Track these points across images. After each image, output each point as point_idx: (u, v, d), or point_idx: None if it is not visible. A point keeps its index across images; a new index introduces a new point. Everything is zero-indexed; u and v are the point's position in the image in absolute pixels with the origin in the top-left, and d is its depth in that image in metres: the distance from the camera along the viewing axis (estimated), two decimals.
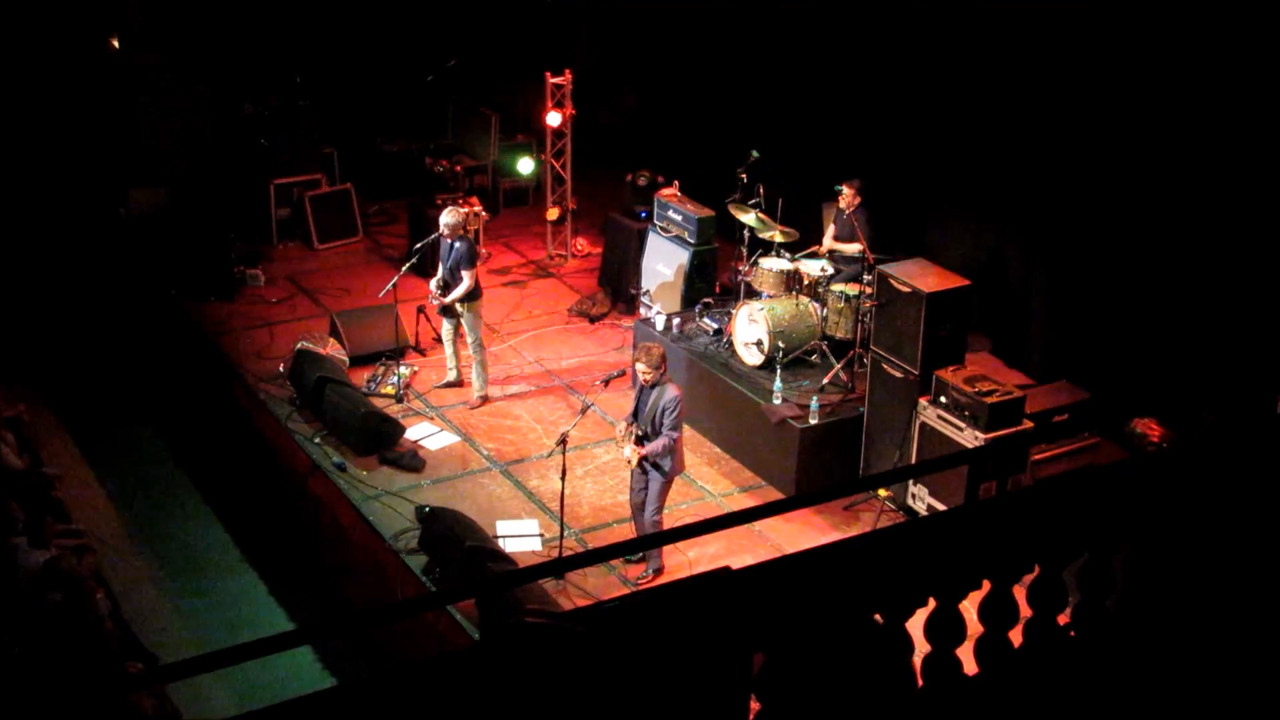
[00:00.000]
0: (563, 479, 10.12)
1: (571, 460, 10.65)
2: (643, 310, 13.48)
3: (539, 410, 12.32)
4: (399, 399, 12.29)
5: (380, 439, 11.57)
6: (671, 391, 9.63)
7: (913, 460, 10.46)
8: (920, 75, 12.80)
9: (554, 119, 14.86)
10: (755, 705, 4.14)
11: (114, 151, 15.37)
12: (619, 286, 14.19)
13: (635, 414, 9.85)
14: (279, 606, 10.85)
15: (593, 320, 13.98)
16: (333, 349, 12.95)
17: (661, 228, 13.50)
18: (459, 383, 12.55)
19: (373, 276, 14.41)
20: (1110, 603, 4.72)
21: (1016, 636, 4.61)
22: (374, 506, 10.87)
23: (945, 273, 10.67)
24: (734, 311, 11.97)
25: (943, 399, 10.18)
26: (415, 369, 12.84)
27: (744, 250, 12.34)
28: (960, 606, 4.42)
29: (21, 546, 8.34)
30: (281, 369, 12.67)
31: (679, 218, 13.27)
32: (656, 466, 9.77)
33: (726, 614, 3.92)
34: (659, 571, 10.16)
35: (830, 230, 12.20)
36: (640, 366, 9.73)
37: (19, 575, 8.12)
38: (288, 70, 16.28)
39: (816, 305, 11.76)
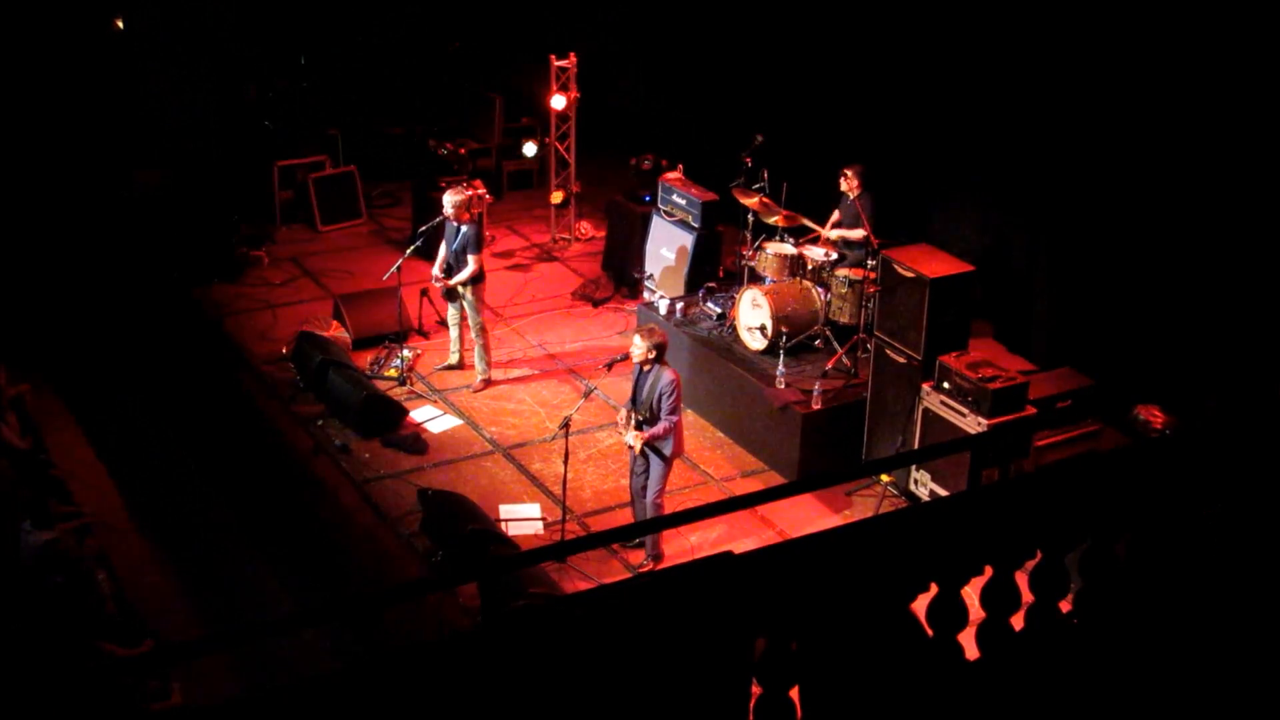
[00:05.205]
0: (565, 463, 10.13)
1: (574, 444, 10.66)
2: (646, 294, 13.47)
3: (542, 394, 12.32)
4: (402, 382, 12.30)
5: (383, 421, 11.59)
6: (667, 375, 9.63)
7: (915, 446, 10.45)
8: (925, 60, 12.77)
9: (558, 102, 14.84)
10: (757, 690, 4.15)
11: (118, 133, 15.36)
12: (622, 270, 14.18)
13: (633, 399, 9.85)
14: (280, 588, 10.86)
15: (596, 304, 13.97)
16: (336, 331, 12.95)
17: (665, 211, 13.48)
18: (461, 366, 12.56)
19: (376, 259, 14.40)
20: (1111, 589, 4.72)
21: (1018, 622, 4.62)
22: (376, 489, 10.88)
23: (949, 258, 10.65)
24: (737, 296, 11.96)
25: (946, 384, 10.17)
26: (418, 352, 12.84)
27: (748, 234, 12.33)
28: (962, 592, 4.42)
29: (25, 527, 8.36)
30: (284, 351, 12.68)
31: (683, 202, 13.26)
32: (656, 451, 9.78)
33: (728, 598, 3.92)
34: (659, 558, 10.17)
35: (834, 216, 12.19)
36: (637, 339, 9.71)
37: (22, 556, 8.14)
38: (292, 51, 16.25)
39: (820, 290, 11.75)
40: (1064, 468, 6.00)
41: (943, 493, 10.24)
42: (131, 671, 7.66)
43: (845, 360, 11.45)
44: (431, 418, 11.86)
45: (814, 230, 12.16)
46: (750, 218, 12.21)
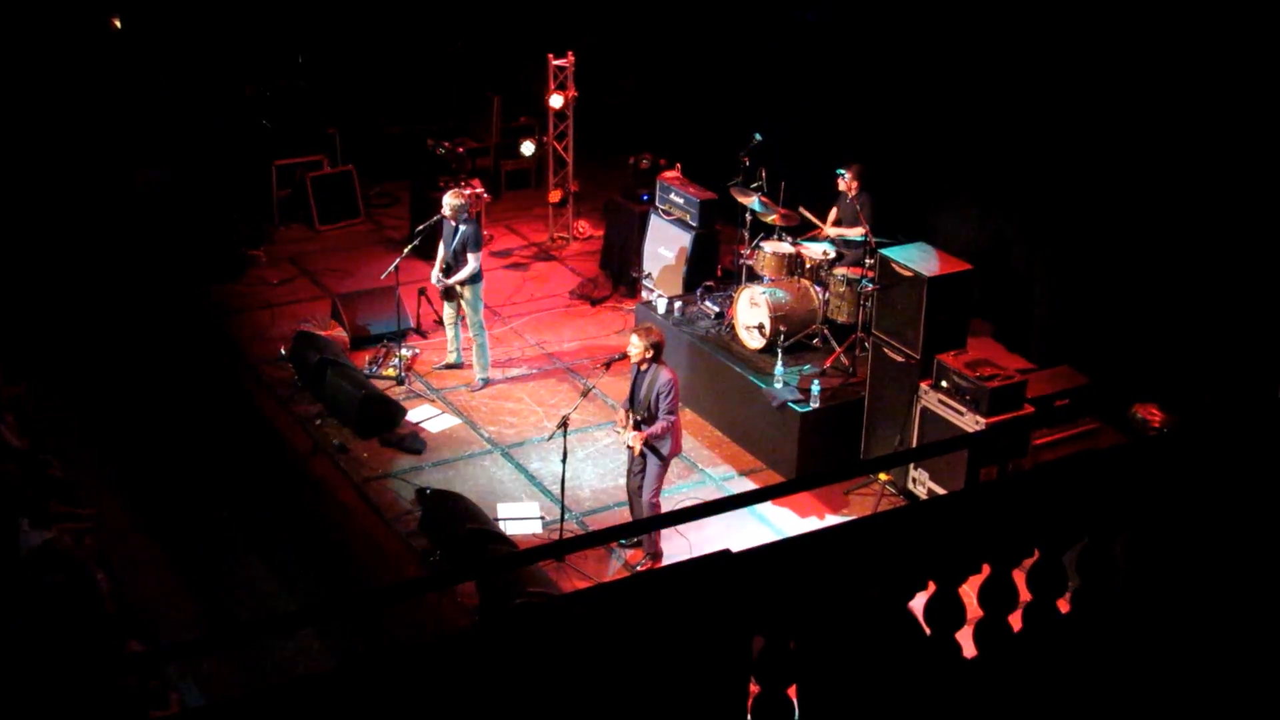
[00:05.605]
0: (563, 462, 10.13)
1: (572, 443, 10.65)
2: (644, 293, 13.48)
3: (540, 393, 12.33)
4: (400, 381, 12.30)
5: (381, 421, 11.59)
6: (665, 375, 9.63)
7: (913, 444, 10.46)
8: (923, 59, 12.77)
9: (556, 101, 14.84)
10: (755, 688, 4.15)
11: (116, 132, 15.35)
12: (620, 269, 14.18)
13: (631, 399, 9.85)
14: (279, 587, 10.86)
15: (594, 303, 13.98)
16: (334, 331, 12.95)
17: (663, 210, 13.48)
18: (459, 365, 12.56)
19: (374, 258, 14.40)
20: (1111, 587, 4.73)
21: (1016, 621, 4.62)
22: (375, 488, 10.88)
23: (947, 257, 10.67)
24: (735, 295, 11.97)
25: (944, 383, 10.18)
26: (416, 351, 12.84)
27: (746, 233, 12.33)
28: (960, 590, 4.42)
29: (24, 526, 8.35)
30: (283, 350, 12.68)
31: (681, 200, 13.26)
32: (654, 450, 9.78)
33: (726, 597, 3.92)
34: (657, 556, 10.18)
35: (833, 214, 12.19)
36: (634, 338, 9.72)
37: (21, 554, 8.13)
38: (290, 51, 16.25)
39: (818, 289, 11.76)
40: (1062, 466, 6.01)
41: (941, 491, 10.25)
42: (131, 671, 7.66)
43: (843, 359, 11.45)
44: (430, 417, 11.85)
45: (815, 225, 12.15)
46: (748, 216, 12.21)
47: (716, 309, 12.35)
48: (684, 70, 15.86)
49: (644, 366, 9.70)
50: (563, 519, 10.26)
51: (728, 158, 12.60)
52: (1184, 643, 4.88)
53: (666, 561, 10.01)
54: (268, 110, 15.78)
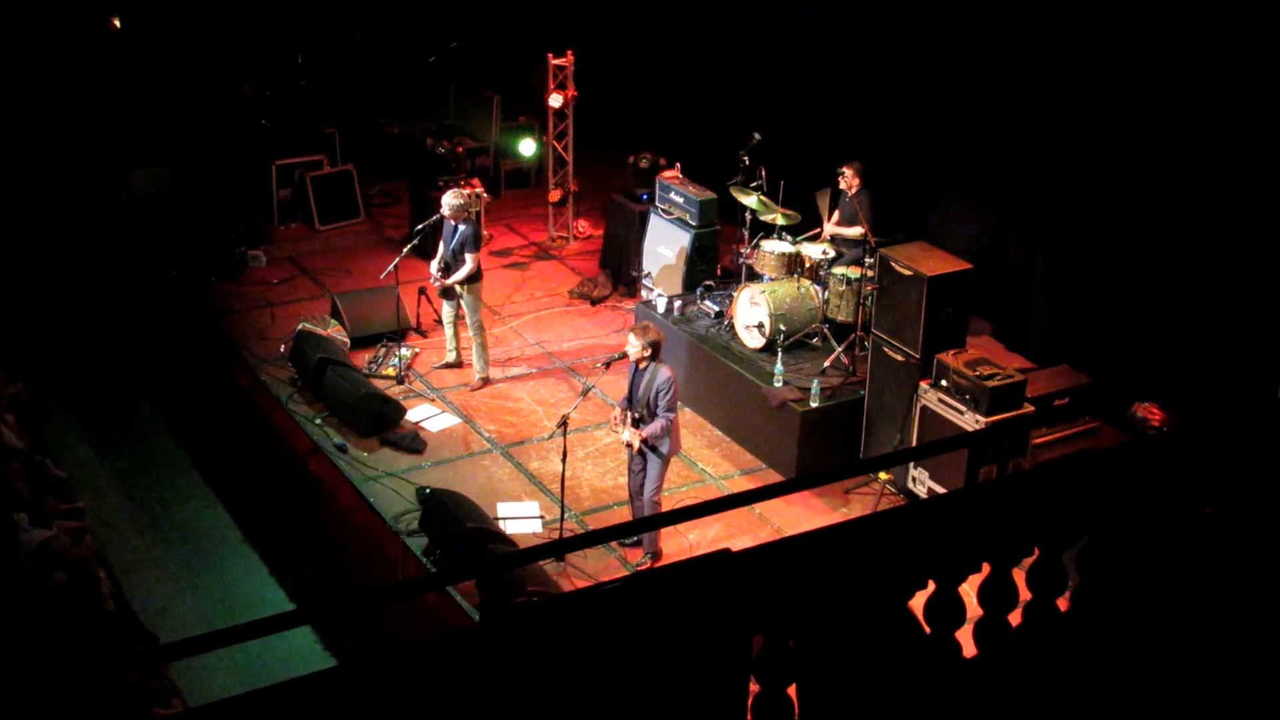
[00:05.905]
0: (563, 461, 10.13)
1: (572, 442, 10.65)
2: (644, 293, 13.47)
3: (540, 392, 12.32)
4: (400, 380, 12.30)
5: (381, 420, 11.58)
6: (664, 373, 9.63)
7: (913, 443, 10.46)
8: (923, 58, 12.77)
9: (556, 100, 14.84)
10: (754, 687, 4.15)
11: (115, 132, 15.36)
12: (620, 269, 14.18)
13: (630, 397, 9.84)
14: (279, 587, 10.87)
15: (594, 302, 13.97)
16: (334, 330, 12.95)
17: (663, 210, 13.48)
18: (459, 364, 12.56)
19: (374, 258, 14.41)
20: (1111, 587, 4.73)
21: (1016, 619, 4.62)
22: (375, 488, 10.88)
23: (947, 256, 10.66)
24: (735, 294, 11.96)
25: (944, 382, 10.18)
26: (416, 350, 12.84)
27: (745, 233, 12.33)
28: (960, 589, 4.42)
29: (23, 525, 8.34)
30: (283, 350, 12.68)
31: (680, 200, 13.25)
32: (653, 449, 9.78)
33: (726, 596, 3.92)
34: (657, 555, 10.18)
35: (835, 215, 12.19)
36: (632, 338, 9.72)
37: (21, 553, 8.12)
38: (289, 50, 16.25)
39: (818, 288, 11.76)
40: (1062, 465, 6.01)
41: (940, 490, 10.25)
42: (131, 670, 7.66)
43: (843, 358, 11.45)
44: (429, 416, 11.85)
45: (818, 217, 12.15)
46: (748, 216, 12.22)
47: (716, 308, 12.35)
48: (684, 70, 15.85)
49: (643, 365, 9.70)
50: (562, 518, 10.26)
51: (728, 157, 12.60)
52: (1184, 642, 4.88)
53: (666, 561, 10.00)
54: (268, 110, 15.78)
